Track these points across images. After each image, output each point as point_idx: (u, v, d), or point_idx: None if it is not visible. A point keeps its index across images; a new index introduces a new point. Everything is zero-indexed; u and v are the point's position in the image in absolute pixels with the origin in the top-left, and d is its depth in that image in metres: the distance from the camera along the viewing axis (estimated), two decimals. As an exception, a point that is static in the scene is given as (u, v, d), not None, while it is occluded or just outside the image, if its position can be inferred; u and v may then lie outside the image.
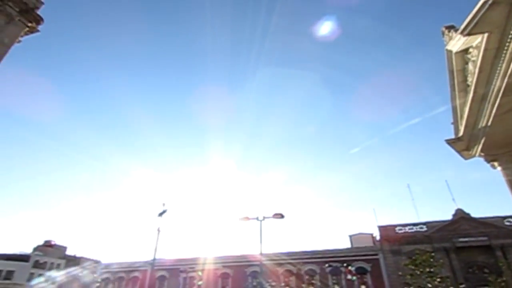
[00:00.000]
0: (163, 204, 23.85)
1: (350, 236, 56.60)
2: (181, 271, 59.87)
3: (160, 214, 23.53)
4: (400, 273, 44.12)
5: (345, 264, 48.71)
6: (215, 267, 58.14)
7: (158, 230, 23.30)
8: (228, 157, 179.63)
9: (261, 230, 23.53)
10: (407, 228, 49.82)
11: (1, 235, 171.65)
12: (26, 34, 27.55)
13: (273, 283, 50.55)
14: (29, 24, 27.10)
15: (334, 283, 50.08)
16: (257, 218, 23.94)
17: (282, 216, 23.79)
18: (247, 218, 24.39)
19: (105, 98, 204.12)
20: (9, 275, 63.85)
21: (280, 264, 53.75)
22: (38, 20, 27.48)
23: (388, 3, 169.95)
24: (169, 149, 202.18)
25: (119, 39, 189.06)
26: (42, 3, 27.87)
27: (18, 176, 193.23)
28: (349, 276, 47.87)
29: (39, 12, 27.42)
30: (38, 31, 28.48)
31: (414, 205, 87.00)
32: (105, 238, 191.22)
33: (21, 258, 69.35)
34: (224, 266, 58.17)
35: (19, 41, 27.42)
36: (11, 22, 25.16)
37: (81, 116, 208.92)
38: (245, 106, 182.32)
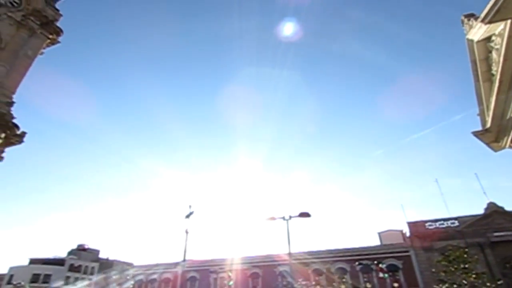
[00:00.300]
0: (190, 206, 24.55)
1: (379, 233, 55.46)
2: (211, 272, 60.64)
3: (187, 216, 24.12)
4: (433, 270, 42.68)
5: (375, 262, 47.78)
6: (245, 267, 58.68)
7: (186, 232, 23.92)
8: (254, 157, 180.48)
9: (288, 230, 23.57)
10: (437, 224, 48.52)
11: (36, 238, 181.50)
12: (47, 46, 29.16)
13: (303, 282, 50.31)
14: (50, 36, 28.70)
15: (365, 281, 49.29)
16: (283, 218, 23.89)
17: (308, 215, 23.70)
18: (273, 218, 24.39)
19: (134, 100, 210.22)
20: (46, 278, 66.57)
21: (309, 263, 53.63)
22: (58, 32, 28.98)
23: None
24: (196, 150, 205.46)
25: (149, 43, 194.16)
26: (61, 15, 29.33)
27: (54, 178, 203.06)
28: (380, 274, 46.81)
29: (58, 24, 28.89)
30: (58, 42, 30.10)
31: (443, 200, 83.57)
32: (135, 240, 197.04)
33: (57, 262, 72.29)
34: (253, 266, 58.52)
35: (42, 53, 29.05)
36: (33, 35, 26.70)
37: (112, 118, 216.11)
38: (271, 105, 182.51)
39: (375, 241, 57.47)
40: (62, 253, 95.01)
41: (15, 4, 25.63)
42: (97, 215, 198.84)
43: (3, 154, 27.29)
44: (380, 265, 46.99)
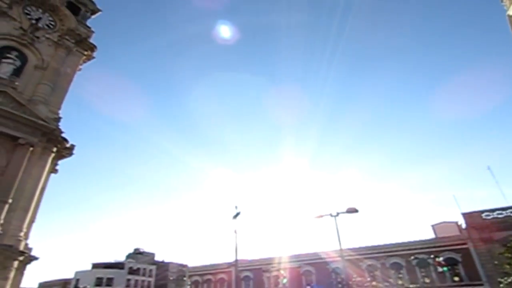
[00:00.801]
0: (236, 207, 24.72)
1: (433, 226, 52.27)
2: (264, 271, 61.29)
3: (235, 217, 24.39)
4: (496, 262, 38.58)
5: (432, 256, 45.16)
6: (296, 265, 58.34)
7: (235, 232, 24.23)
8: (300, 155, 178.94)
9: (336, 226, 23.35)
10: (495, 214, 44.04)
11: (95, 243, 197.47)
12: (84, 62, 32.05)
13: (358, 279, 49.00)
14: (85, 53, 31.48)
15: (423, 276, 46.85)
16: (330, 214, 23.66)
17: (355, 210, 23.51)
18: (321, 215, 24.31)
19: (185, 101, 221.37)
20: (109, 282, 71.57)
21: (363, 259, 52.26)
22: (92, 48, 31.80)
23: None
24: (243, 150, 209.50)
25: (197, 43, 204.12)
26: (93, 32, 32.08)
27: (107, 182, 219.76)
28: (439, 268, 43.84)
29: (91, 40, 31.76)
30: (93, 57, 32.89)
31: (499, 187, 75.04)
32: (187, 241, 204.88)
33: (117, 266, 77.46)
34: (305, 264, 58.07)
35: (80, 69, 31.97)
36: (70, 54, 29.50)
37: (164, 118, 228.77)
38: (318, 103, 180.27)
39: (428, 234, 53.95)
40: (120, 257, 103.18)
41: (51, 26, 28.25)
42: (150, 216, 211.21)
43: (57, 167, 30.91)
44: (437, 259, 44.13)
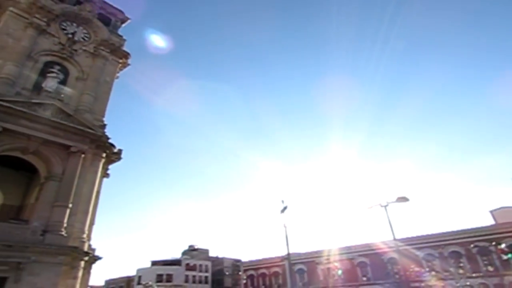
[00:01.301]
0: (282, 201, 24.52)
1: (492, 212, 48.86)
2: (317, 263, 61.59)
3: (282, 211, 24.17)
4: None
5: (493, 243, 42.33)
6: (350, 257, 58.03)
7: (285, 226, 23.98)
8: (349, 146, 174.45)
9: (388, 216, 22.90)
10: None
11: (151, 240, 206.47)
12: (120, 69, 33.39)
13: (416, 269, 47.11)
14: (120, 61, 32.79)
15: (486, 264, 43.95)
16: (380, 204, 23.03)
17: (406, 199, 22.76)
18: (371, 206, 23.88)
19: (235, 95, 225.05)
20: (169, 278, 74.97)
21: (419, 248, 50.92)
22: (126, 55, 32.99)
23: None
24: (291, 142, 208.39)
25: (248, 38, 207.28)
26: (125, 40, 33.32)
27: (161, 179, 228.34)
28: (504, 256, 40.69)
29: (124, 48, 32.95)
30: (129, 64, 34.16)
31: None
32: (238, 235, 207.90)
33: (174, 262, 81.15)
34: (359, 255, 57.46)
35: (117, 77, 33.37)
36: (107, 63, 30.81)
37: (215, 112, 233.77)
38: (369, 92, 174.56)
39: (486, 221, 50.35)
40: (176, 254, 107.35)
41: (86, 38, 29.58)
42: (202, 212, 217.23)
43: (108, 171, 32.60)
44: (499, 246, 41.11)
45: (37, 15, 26.12)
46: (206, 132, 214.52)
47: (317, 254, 61.98)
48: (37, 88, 25.00)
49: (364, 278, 56.04)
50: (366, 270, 55.74)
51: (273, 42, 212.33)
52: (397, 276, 49.91)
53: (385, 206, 22.55)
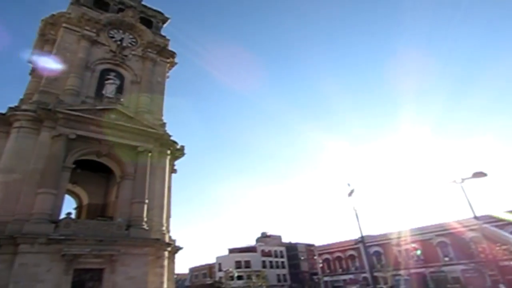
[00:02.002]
0: (348, 184, 24.01)
1: None
2: (394, 245, 59.57)
3: (350, 194, 23.66)
4: None
5: None
6: (428, 237, 55.52)
7: (354, 209, 23.29)
8: (422, 123, 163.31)
9: (464, 193, 21.07)
10: None
11: (224, 229, 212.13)
12: (169, 69, 34.41)
13: (503, 247, 42.37)
14: (168, 60, 33.76)
15: None
16: (455, 181, 21.21)
17: (483, 175, 20.74)
18: (445, 182, 22.12)
19: (299, 70, 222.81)
20: (247, 264, 77.91)
21: (504, 226, 45.40)
22: (172, 54, 33.87)
23: None
24: (359, 121, 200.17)
25: (314, 14, 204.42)
26: (168, 39, 34.28)
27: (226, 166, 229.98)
28: None
29: (170, 48, 33.93)
30: (176, 63, 35.10)
31: None
32: (307, 220, 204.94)
33: (250, 249, 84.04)
34: (437, 235, 54.75)
35: (168, 77, 34.45)
36: (156, 64, 31.84)
37: (279, 89, 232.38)
38: (446, 67, 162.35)
39: None
40: (250, 241, 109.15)
41: (133, 43, 30.79)
42: (272, 198, 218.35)
43: (175, 167, 33.93)
44: None
45: (86, 27, 28.01)
46: (271, 112, 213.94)
47: (393, 236, 59.86)
48: (99, 95, 26.84)
49: (446, 258, 52.75)
50: (447, 250, 52.94)
51: (342, 17, 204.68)
52: (482, 256, 45.53)
53: (461, 183, 20.74)
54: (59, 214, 21.06)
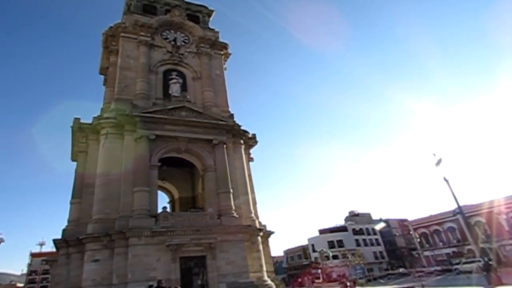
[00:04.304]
0: (434, 154, 22.83)
1: None
2: (498, 213, 55.31)
3: (437, 164, 22.56)
4: None
5: None
6: None
7: (445, 179, 22.01)
8: None
9: None
10: None
11: (315, 210, 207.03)
12: (225, 61, 34.25)
13: None
14: (222, 53, 33.65)
15: None
16: None
17: None
18: None
19: (385, 26, 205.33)
20: (340, 243, 76.89)
21: None
22: (225, 46, 33.56)
23: None
24: (451, 79, 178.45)
25: None
26: (218, 32, 34.20)
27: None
28: None
29: (221, 40, 33.89)
30: (230, 54, 34.90)
31: None
32: (395, 194, 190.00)
33: (340, 229, 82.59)
34: None
35: (225, 68, 34.29)
36: (211, 58, 31.80)
37: (363, 50, 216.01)
38: None
39: None
40: (337, 221, 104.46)
41: (186, 41, 31.50)
42: (355, 174, 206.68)
43: (251, 156, 33.84)
44: None
45: (141, 33, 29.25)
46: (353, 75, 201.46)
47: (496, 203, 55.14)
48: (166, 95, 27.83)
49: None
50: None
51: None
52: None
53: None
54: (156, 209, 22.37)
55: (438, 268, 50.77)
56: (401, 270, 58.07)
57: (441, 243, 63.30)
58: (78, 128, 25.11)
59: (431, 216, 67.31)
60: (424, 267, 59.12)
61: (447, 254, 60.87)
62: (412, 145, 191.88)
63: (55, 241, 22.39)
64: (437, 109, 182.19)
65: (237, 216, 24.24)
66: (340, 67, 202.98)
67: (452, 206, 58.14)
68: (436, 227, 64.95)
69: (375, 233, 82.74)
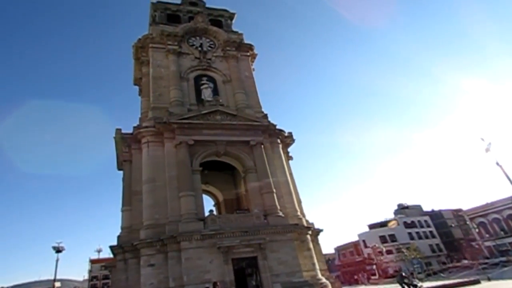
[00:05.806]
0: (483, 139, 21.86)
1: None
2: None
3: (487, 150, 21.66)
4: None
5: None
6: None
7: (498, 164, 21.05)
8: None
9: None
10: None
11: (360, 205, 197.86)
12: (252, 61, 34.07)
13: None
14: (248, 54, 33.34)
15: None
16: None
17: None
18: None
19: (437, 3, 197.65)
20: (392, 238, 73.83)
21: None
22: (251, 47, 33.19)
23: None
24: (504, 53, 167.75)
25: None
26: (242, 34, 33.96)
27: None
28: None
29: (246, 41, 33.70)
30: (256, 54, 34.60)
31: None
32: (444, 183, 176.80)
33: (389, 223, 79.62)
34: None
35: (253, 69, 34.03)
36: (238, 60, 31.62)
37: (410, 26, 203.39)
38: None
39: None
40: (386, 215, 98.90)
41: (212, 46, 31.74)
42: (401, 165, 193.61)
43: (290, 154, 33.09)
44: None
45: (169, 42, 29.76)
46: (399, 52, 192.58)
47: None
48: (199, 100, 27.99)
49: None
50: None
51: None
52: None
53: None
54: (203, 212, 22.42)
55: (503, 259, 47.03)
56: (465, 262, 55.06)
57: (502, 232, 59.16)
58: (120, 138, 25.84)
59: (487, 204, 63.60)
60: (487, 258, 55.24)
61: (511, 243, 56.76)
62: (461, 126, 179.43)
63: (111, 248, 22.89)
64: (489, 85, 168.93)
65: (283, 215, 23.68)
66: (385, 45, 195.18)
67: (509, 193, 54.41)
68: (495, 215, 61.30)
69: (428, 225, 78.87)
